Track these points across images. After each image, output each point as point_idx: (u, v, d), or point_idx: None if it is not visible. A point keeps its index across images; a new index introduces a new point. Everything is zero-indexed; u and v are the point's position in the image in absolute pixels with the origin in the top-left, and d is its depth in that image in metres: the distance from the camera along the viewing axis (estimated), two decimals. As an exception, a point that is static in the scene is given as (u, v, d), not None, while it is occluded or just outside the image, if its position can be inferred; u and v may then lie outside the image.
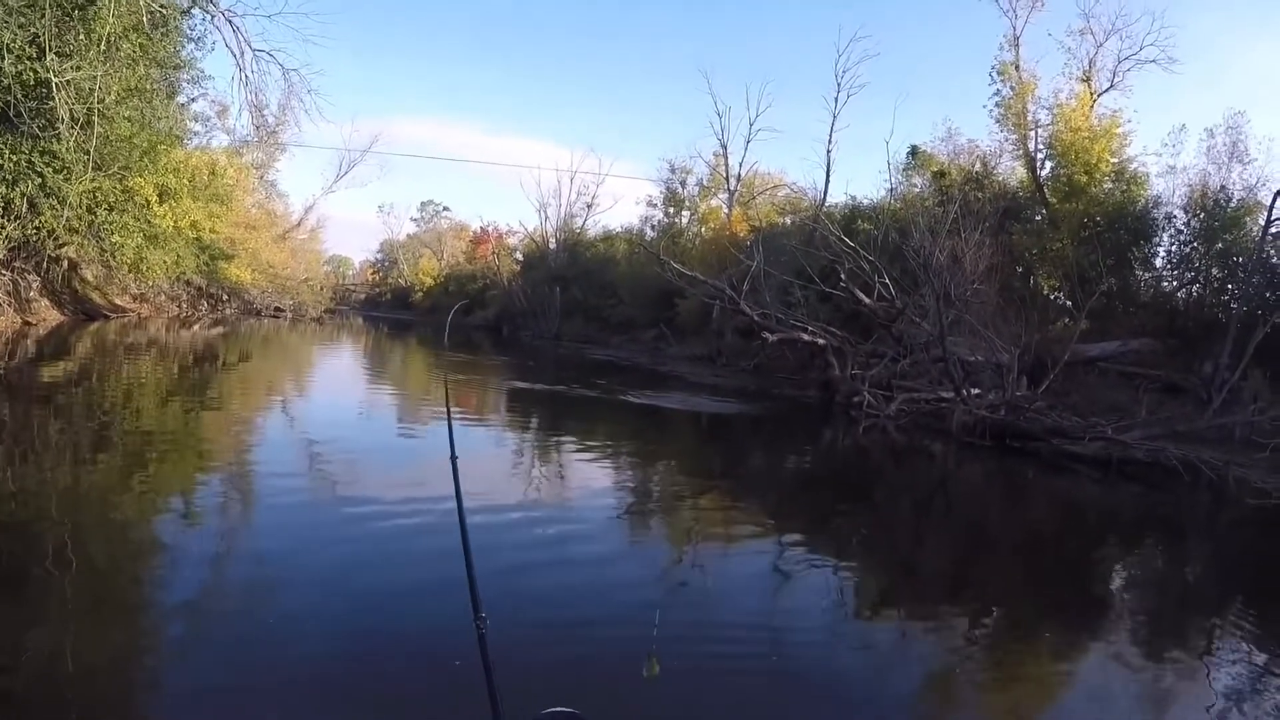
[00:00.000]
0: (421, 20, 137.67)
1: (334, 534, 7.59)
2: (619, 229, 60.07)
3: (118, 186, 25.01)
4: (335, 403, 18.47)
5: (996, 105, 30.94)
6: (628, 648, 5.23)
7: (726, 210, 49.36)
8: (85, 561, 6.46)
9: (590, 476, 11.91)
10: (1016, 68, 30.53)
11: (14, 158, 21.36)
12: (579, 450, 14.22)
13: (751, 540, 9.05)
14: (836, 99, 42.86)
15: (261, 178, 58.00)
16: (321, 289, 68.26)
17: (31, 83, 18.79)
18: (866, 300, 23.28)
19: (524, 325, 60.13)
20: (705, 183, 53.04)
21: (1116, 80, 29.34)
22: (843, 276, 23.62)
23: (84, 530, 7.26)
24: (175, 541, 7.25)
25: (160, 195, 28.33)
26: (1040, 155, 29.86)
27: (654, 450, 15.05)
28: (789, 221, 41.65)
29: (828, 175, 44.49)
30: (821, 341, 24.46)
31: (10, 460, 9.71)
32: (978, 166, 32.08)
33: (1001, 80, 30.76)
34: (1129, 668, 6.22)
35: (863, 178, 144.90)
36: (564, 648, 5.50)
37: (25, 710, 4.34)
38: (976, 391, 18.61)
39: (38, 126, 19.94)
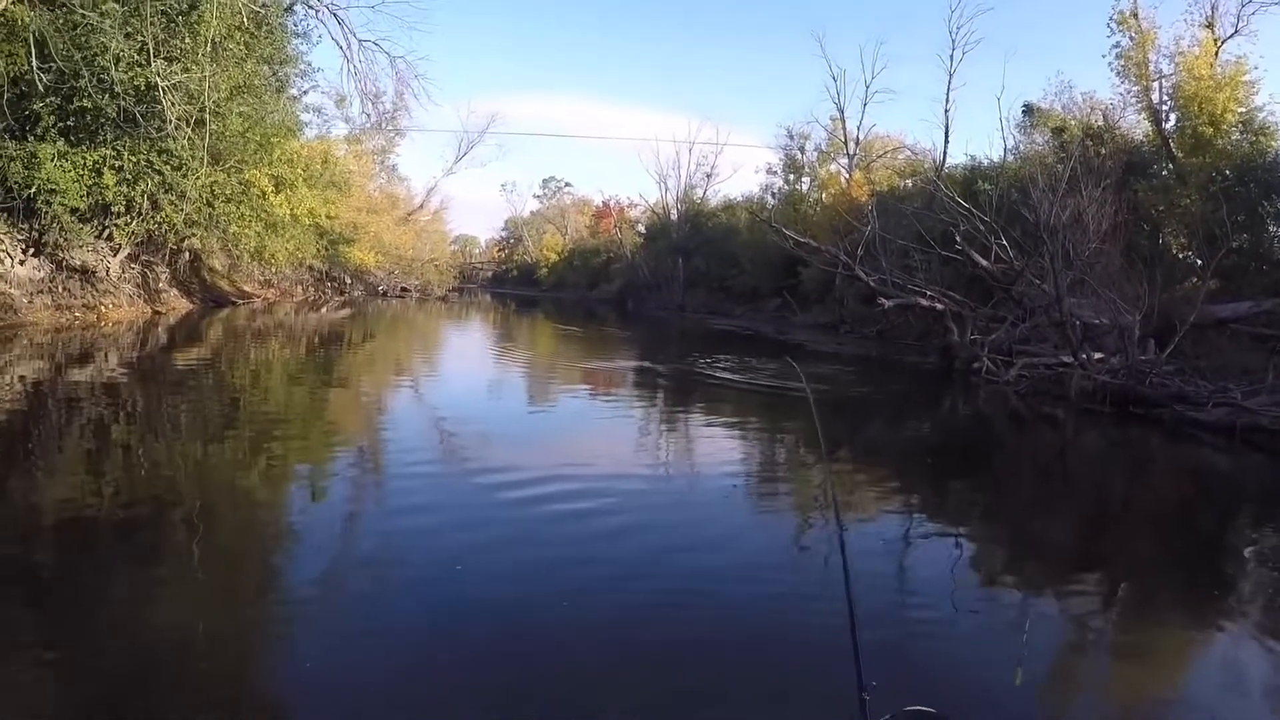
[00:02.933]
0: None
1: (465, 512, 7.63)
2: (740, 198, 59.43)
3: (234, 180, 25.81)
4: (462, 380, 18.87)
5: (1116, 56, 29.23)
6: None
7: (846, 175, 48.37)
8: (214, 537, 6.71)
9: (713, 450, 11.90)
10: (1135, 16, 28.74)
11: (133, 158, 22.26)
12: (704, 425, 14.29)
13: (872, 510, 8.89)
14: (952, 56, 41.54)
15: (382, 163, 59.17)
16: (447, 268, 69.40)
17: (143, 87, 19.35)
18: (983, 262, 22.56)
19: (648, 298, 60.20)
20: (824, 148, 52.04)
21: (1241, 25, 27.25)
22: (958, 239, 22.95)
23: (213, 507, 7.56)
24: (302, 518, 7.50)
25: (276, 185, 29.08)
26: (1165, 107, 28.23)
27: (776, 423, 14.80)
28: (909, 184, 40.61)
29: (946, 136, 42.99)
30: (940, 306, 23.82)
31: (143, 441, 10.30)
32: (1099, 120, 30.65)
33: (1120, 30, 28.99)
34: (1263, 648, 5.80)
35: (984, 136, 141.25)
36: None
37: (155, 679, 4.44)
38: (1099, 356, 17.87)
39: (153, 128, 20.54)
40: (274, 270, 39.23)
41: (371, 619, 5.25)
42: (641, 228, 73.31)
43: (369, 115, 35.77)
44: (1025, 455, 13.74)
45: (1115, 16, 29.28)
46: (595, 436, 12.08)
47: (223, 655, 4.78)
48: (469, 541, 6.75)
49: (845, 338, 34.29)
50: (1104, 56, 30.04)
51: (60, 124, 20.61)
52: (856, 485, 10.06)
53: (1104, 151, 26.63)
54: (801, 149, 53.12)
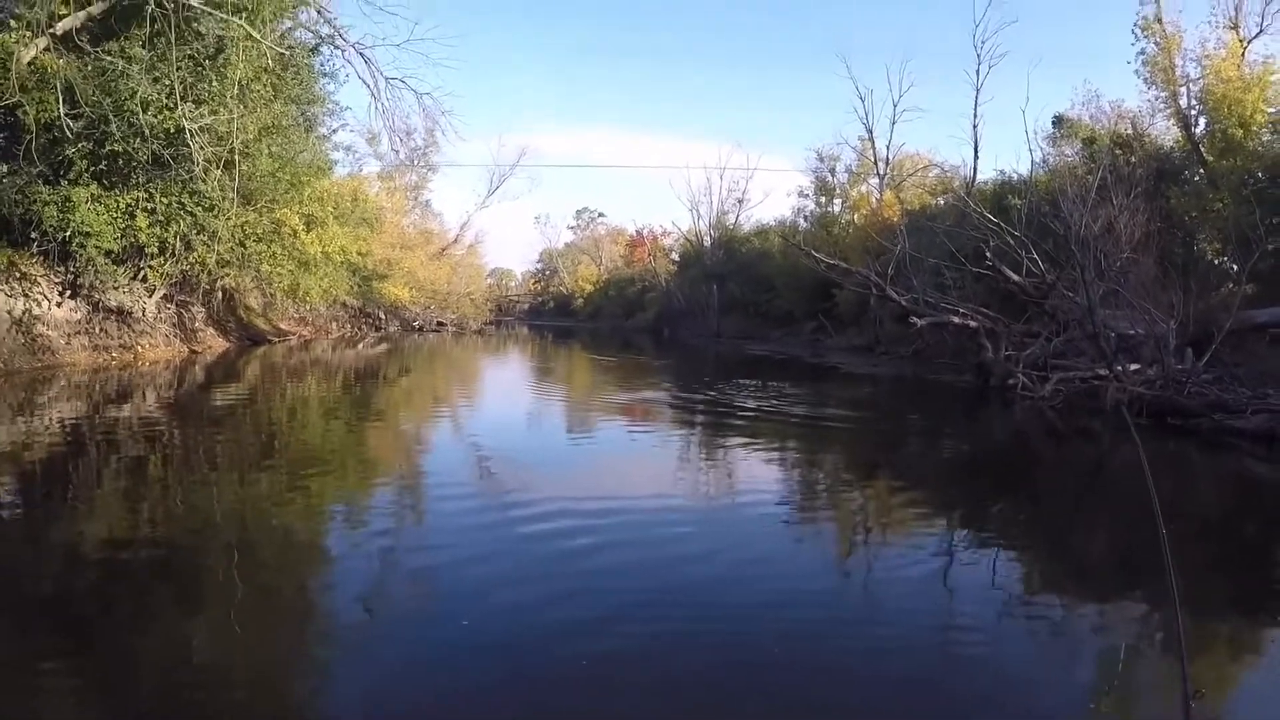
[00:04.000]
0: (553, 33, 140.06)
1: (495, 546, 7.49)
2: (772, 222, 59.51)
3: (265, 219, 26.08)
4: (499, 412, 18.82)
5: (1142, 63, 29.09)
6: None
7: (877, 195, 48.31)
8: (250, 573, 6.68)
9: (759, 471, 11.96)
10: (1159, 21, 28.56)
11: (165, 200, 22.50)
12: (741, 446, 14.22)
13: (913, 526, 8.93)
14: (978, 71, 41.24)
15: (416, 199, 59.69)
16: (483, 302, 69.72)
17: (172, 130, 19.63)
18: (1015, 277, 22.39)
19: (683, 325, 60.18)
20: (854, 169, 52.02)
21: (1266, 24, 27.14)
22: (988, 254, 22.80)
23: (250, 543, 7.55)
24: (338, 554, 7.50)
25: (307, 224, 29.38)
26: (1194, 112, 27.93)
27: (814, 447, 14.66)
28: (940, 202, 40.39)
29: (975, 151, 42.91)
30: (974, 324, 23.64)
31: (180, 478, 10.31)
32: (1127, 129, 30.33)
33: (1145, 36, 28.84)
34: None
35: (1014, 150, 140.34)
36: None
37: (190, 713, 4.42)
38: (1135, 367, 17.63)
39: (184, 171, 20.83)
40: (309, 308, 39.50)
41: (410, 654, 5.21)
42: (675, 255, 73.48)
43: (398, 152, 36.13)
44: (1062, 469, 13.55)
45: (1139, 22, 29.19)
46: (632, 467, 11.93)
47: (259, 691, 4.80)
48: (509, 574, 6.70)
49: (880, 359, 34.15)
50: (1129, 63, 29.86)
51: (93, 168, 20.89)
52: (896, 505, 10.08)
53: (1133, 160, 26.39)
54: (832, 171, 53.22)
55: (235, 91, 19.74)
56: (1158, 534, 2.46)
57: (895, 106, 48.60)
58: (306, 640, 5.68)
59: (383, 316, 51.20)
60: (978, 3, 78.92)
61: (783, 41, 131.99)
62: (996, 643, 5.65)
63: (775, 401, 19.37)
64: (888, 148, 49.08)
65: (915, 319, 24.05)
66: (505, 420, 17.12)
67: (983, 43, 42.01)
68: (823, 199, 54.35)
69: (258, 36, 18.70)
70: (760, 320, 53.24)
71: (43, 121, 18.13)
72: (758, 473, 11.83)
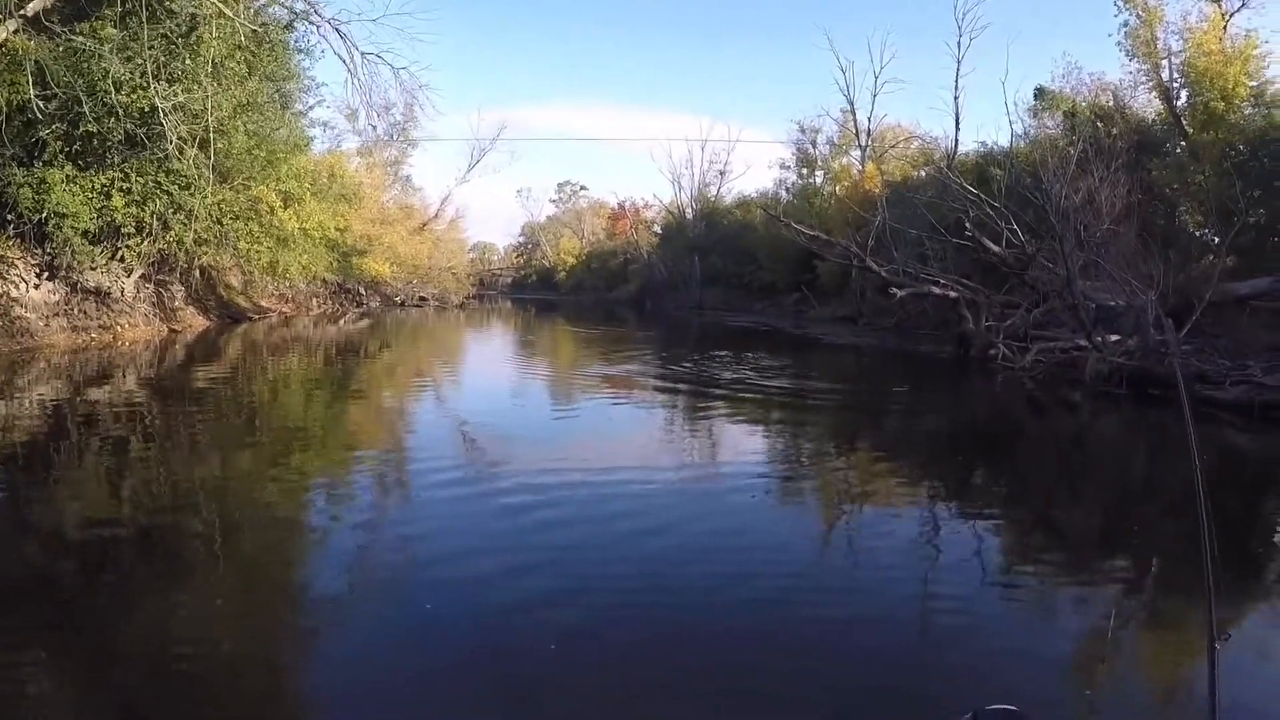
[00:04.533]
0: (532, 6, 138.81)
1: (470, 520, 7.54)
2: (754, 194, 59.38)
3: (242, 197, 25.90)
4: (481, 386, 18.85)
5: (1124, 35, 28.81)
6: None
7: (859, 167, 48.22)
8: (233, 552, 6.75)
9: (739, 443, 12.04)
10: (1141, -9, 28.58)
11: (141, 180, 22.34)
12: (720, 418, 14.33)
13: (893, 497, 9.01)
14: (959, 43, 41.10)
15: (395, 174, 59.39)
16: (468, 276, 69.51)
17: (146, 109, 19.47)
18: (995, 248, 22.44)
19: (666, 297, 60.23)
20: (835, 141, 52.01)
21: None
22: (968, 225, 22.83)
23: (233, 521, 7.54)
24: (318, 529, 7.58)
25: (284, 201, 29.21)
26: (1175, 85, 27.77)
27: (794, 419, 14.74)
28: (922, 174, 40.35)
29: (957, 123, 42.61)
30: (953, 294, 23.73)
31: (162, 457, 10.38)
32: (1109, 101, 30.24)
33: (1127, 7, 28.49)
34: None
35: (996, 122, 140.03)
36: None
37: (175, 693, 4.43)
38: (1115, 338, 17.69)
39: (159, 150, 20.67)
40: (288, 285, 39.33)
41: (386, 627, 5.26)
42: (657, 228, 73.40)
43: (375, 127, 35.90)
44: (1043, 439, 13.66)
45: (1122, -7, 29.00)
46: (617, 440, 11.98)
47: (242, 665, 4.81)
48: (481, 546, 6.76)
49: (863, 330, 34.25)
50: (1111, 35, 29.73)
51: (67, 149, 20.76)
52: (876, 475, 10.20)
53: (1114, 132, 26.30)
54: (813, 143, 53.22)
55: (209, 69, 19.59)
56: (1191, 500, 2.44)
57: (876, 79, 48.45)
58: (288, 613, 5.70)
59: (363, 292, 51.04)
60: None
61: (764, 14, 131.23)
62: (977, 613, 5.67)
63: (755, 373, 19.47)
64: (869, 119, 49.04)
65: (895, 290, 24.08)
66: (485, 394, 17.18)
67: (964, 15, 41.91)
68: (804, 171, 54.38)
69: (229, 14, 18.52)
70: (743, 292, 53.26)
71: (15, 104, 17.97)
72: (736, 445, 11.92)
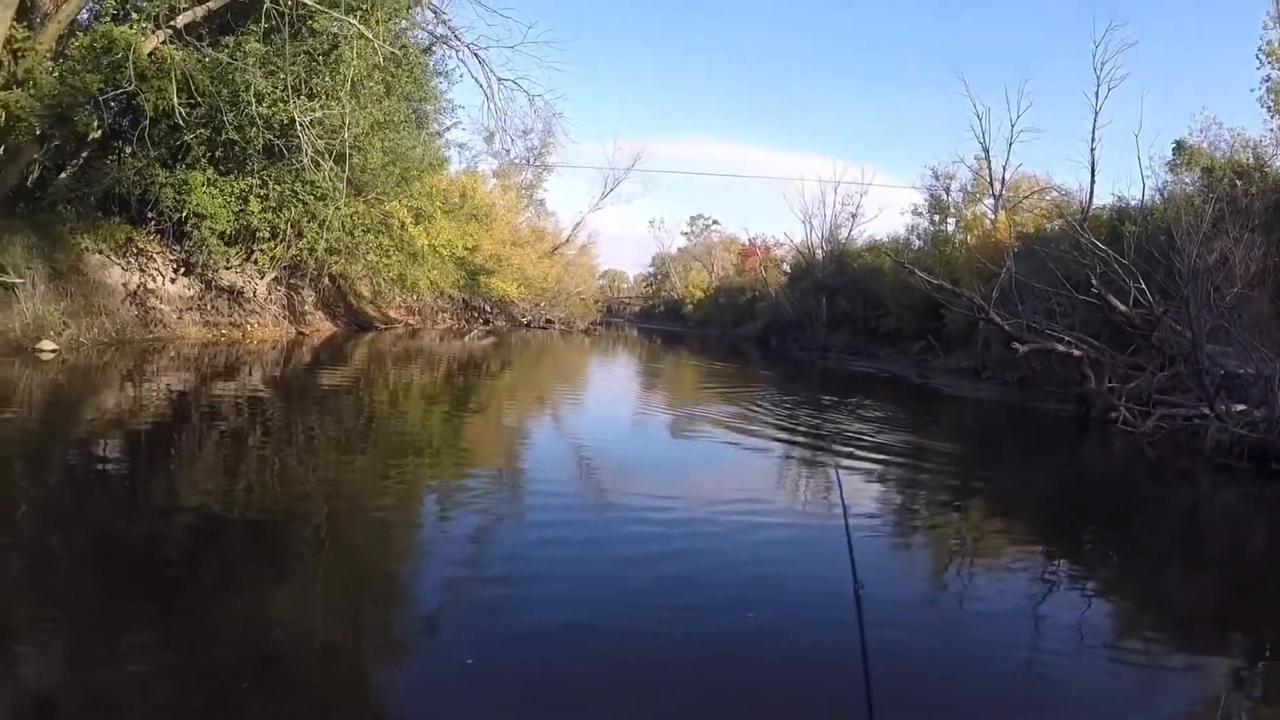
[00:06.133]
0: (674, 39, 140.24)
1: (586, 550, 7.50)
2: (885, 238, 58.69)
3: (374, 211, 26.80)
4: (602, 412, 19.03)
5: (1266, 90, 27.90)
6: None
7: (991, 216, 47.29)
8: (340, 546, 7.06)
9: (849, 491, 11.48)
10: (1285, 45, 27.46)
11: (278, 187, 23.48)
12: (840, 468, 13.47)
13: (1001, 558, 8.72)
14: (1097, 93, 39.88)
15: (530, 197, 60.43)
16: (596, 302, 70.24)
17: (286, 122, 20.36)
18: (1122, 307, 21.73)
19: (791, 336, 59.79)
20: (969, 188, 51.16)
21: None
22: (1094, 282, 22.18)
23: (342, 518, 7.84)
24: (428, 534, 7.76)
25: (415, 217, 30.01)
26: (1322, 141, 26.66)
27: (912, 473, 14.16)
28: (1055, 226, 39.36)
29: (1092, 176, 41.07)
30: (1077, 353, 23.05)
31: (279, 451, 10.82)
32: (1248, 158, 29.11)
33: (1269, 61, 27.65)
34: None
35: (1130, 176, 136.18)
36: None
37: (272, 679, 4.60)
38: (1241, 407, 16.95)
39: (296, 161, 21.53)
40: (416, 298, 40.28)
41: (491, 636, 5.28)
42: (786, 267, 72.98)
43: (508, 151, 36.70)
44: (1158, 510, 13.02)
45: (1264, 47, 27.95)
46: (726, 478, 11.77)
47: (341, 661, 4.97)
48: (601, 563, 6.92)
49: (985, 383, 33.48)
50: (1253, 91, 28.72)
51: (209, 154, 21.87)
52: (987, 533, 9.97)
53: (1253, 190, 25.33)
54: (946, 189, 52.37)
55: (348, 87, 20.30)
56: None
57: (1013, 126, 47.28)
58: (383, 612, 5.85)
59: (490, 310, 51.85)
60: (1098, 24, 76.67)
61: (900, 58, 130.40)
62: (1079, 682, 5.47)
63: (873, 423, 18.96)
64: (1004, 168, 47.97)
65: (1017, 344, 23.56)
66: (602, 421, 17.28)
67: (1102, 65, 40.69)
68: (936, 218, 53.57)
69: (369, 36, 19.16)
70: (868, 336, 52.58)
71: (161, 109, 18.86)
72: (851, 493, 11.51)
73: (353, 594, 6.03)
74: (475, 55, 24.92)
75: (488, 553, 7.13)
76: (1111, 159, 80.00)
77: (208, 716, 4.18)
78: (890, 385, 32.05)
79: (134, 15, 18.82)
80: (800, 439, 16.24)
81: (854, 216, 63.64)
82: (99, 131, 20.48)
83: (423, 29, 26.66)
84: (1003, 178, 47.97)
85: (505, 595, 5.99)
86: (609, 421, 16.92)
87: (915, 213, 55.39)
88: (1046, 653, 5.99)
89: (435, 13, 26.11)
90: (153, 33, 18.64)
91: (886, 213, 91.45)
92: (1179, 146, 32.15)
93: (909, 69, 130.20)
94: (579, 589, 6.24)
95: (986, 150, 48.48)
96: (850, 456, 14.35)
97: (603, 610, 5.84)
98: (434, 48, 27.70)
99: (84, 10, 20.08)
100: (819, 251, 63.91)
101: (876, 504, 11.37)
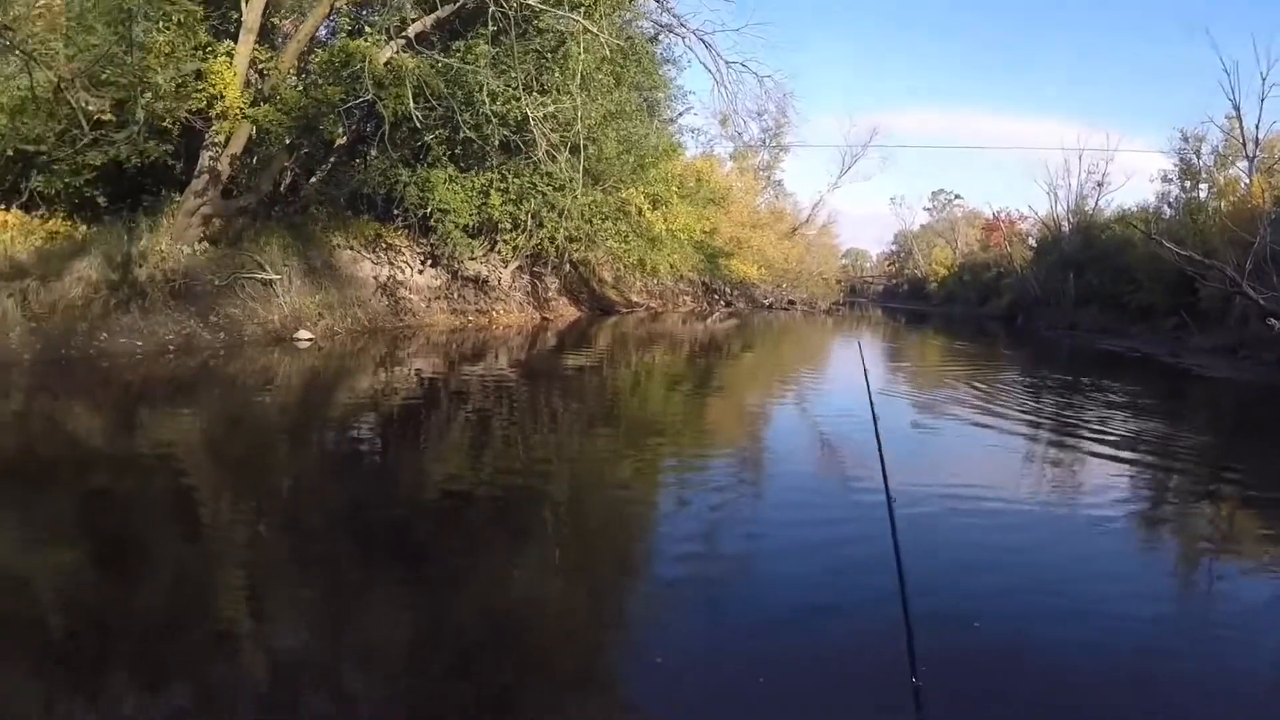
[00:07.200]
0: (904, 11, 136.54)
1: (825, 530, 7.25)
2: (1134, 208, 55.46)
3: (612, 199, 27.94)
4: (843, 395, 18.30)
5: None
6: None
7: (1246, 180, 43.97)
8: (580, 525, 7.43)
9: (1095, 477, 10.70)
10: None
11: (517, 181, 24.79)
12: (1088, 454, 12.39)
13: (1258, 555, 7.87)
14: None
15: (768, 179, 60.60)
16: (838, 282, 69.79)
17: (520, 118, 21.47)
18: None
19: (1038, 314, 57.73)
20: (1221, 150, 47.56)
21: None
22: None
23: (583, 496, 8.30)
24: (665, 513, 7.94)
25: (652, 203, 30.76)
26: None
27: (1163, 459, 12.65)
28: (1320, 189, 36.46)
29: (1356, 129, 37.56)
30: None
31: (523, 431, 11.47)
32: None
33: None
34: None
35: None
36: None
37: (508, 650, 4.82)
38: None
39: (533, 154, 22.67)
40: (657, 281, 41.15)
41: (728, 618, 5.32)
42: (1032, 241, 70.39)
43: (740, 134, 37.01)
44: None
45: None
46: (970, 462, 11.21)
47: (575, 637, 5.16)
48: (843, 549, 6.62)
49: (1242, 363, 31.63)
50: None
51: (449, 152, 23.46)
52: (1239, 534, 8.90)
53: None
54: (1197, 153, 48.70)
55: (577, 81, 21.19)
56: None
57: (1264, 80, 43.22)
58: (621, 586, 6.10)
59: (730, 292, 52.34)
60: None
61: (1136, 14, 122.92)
62: None
63: (1120, 409, 17.66)
64: (1256, 127, 44.19)
65: (1273, 320, 22.32)
66: (844, 402, 16.75)
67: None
68: (1187, 184, 50.26)
69: (594, 30, 19.93)
70: (1118, 313, 50.04)
71: (399, 113, 20.25)
72: (1092, 479, 10.52)
73: (588, 566, 6.27)
74: (701, 40, 25.43)
75: (724, 534, 7.16)
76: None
77: (449, 674, 4.50)
78: (1141, 365, 30.56)
79: (368, 29, 20.39)
80: (1044, 430, 15.64)
81: (1100, 186, 60.40)
82: (344, 138, 22.46)
83: (647, 19, 27.35)
84: (1255, 137, 44.33)
85: (737, 577, 6.03)
86: (852, 406, 16.53)
87: (1165, 179, 52.03)
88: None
89: (658, 1, 26.84)
90: (386, 44, 20.14)
91: (1135, 179, 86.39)
92: None
93: (1148, 21, 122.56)
94: (816, 574, 6.11)
95: (1237, 108, 44.68)
96: (1101, 438, 13.17)
97: (836, 594, 5.72)
98: (660, 36, 28.36)
99: (322, 29, 21.75)
100: (1064, 224, 61.28)
101: (1129, 487, 10.41)
